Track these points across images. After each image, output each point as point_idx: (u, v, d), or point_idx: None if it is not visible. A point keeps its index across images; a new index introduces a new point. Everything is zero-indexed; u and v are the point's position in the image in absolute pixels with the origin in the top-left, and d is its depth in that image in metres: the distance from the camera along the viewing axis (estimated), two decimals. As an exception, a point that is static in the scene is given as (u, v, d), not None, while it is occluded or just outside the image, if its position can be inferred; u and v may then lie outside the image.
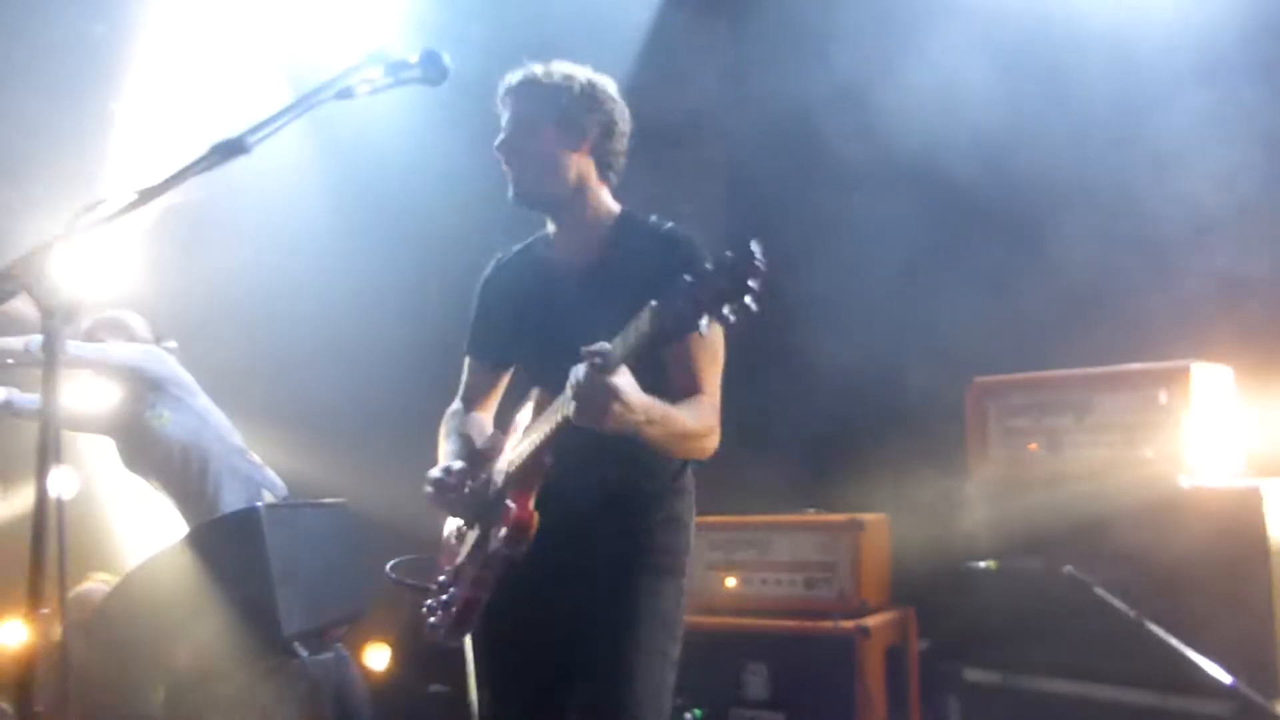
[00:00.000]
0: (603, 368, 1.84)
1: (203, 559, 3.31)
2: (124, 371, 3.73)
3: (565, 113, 2.26)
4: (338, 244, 4.57)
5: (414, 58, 1.89)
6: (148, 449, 3.75)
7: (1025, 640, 3.33)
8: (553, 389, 2.09)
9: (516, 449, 2.21)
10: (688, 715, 3.65)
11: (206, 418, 3.84)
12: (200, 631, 3.28)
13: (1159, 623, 2.88)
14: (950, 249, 4.00)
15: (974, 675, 3.50)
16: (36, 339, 3.50)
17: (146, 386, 3.75)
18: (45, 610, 1.40)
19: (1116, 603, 2.97)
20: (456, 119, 3.36)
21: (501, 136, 2.30)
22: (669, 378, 2.13)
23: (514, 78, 2.32)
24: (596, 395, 1.86)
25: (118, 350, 3.77)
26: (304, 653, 3.34)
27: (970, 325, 3.90)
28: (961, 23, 3.87)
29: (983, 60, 3.79)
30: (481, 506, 2.25)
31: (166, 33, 4.57)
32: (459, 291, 4.32)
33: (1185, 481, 3.15)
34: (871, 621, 3.70)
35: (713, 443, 2.16)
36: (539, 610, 2.21)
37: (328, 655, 3.51)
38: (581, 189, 2.29)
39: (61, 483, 4.22)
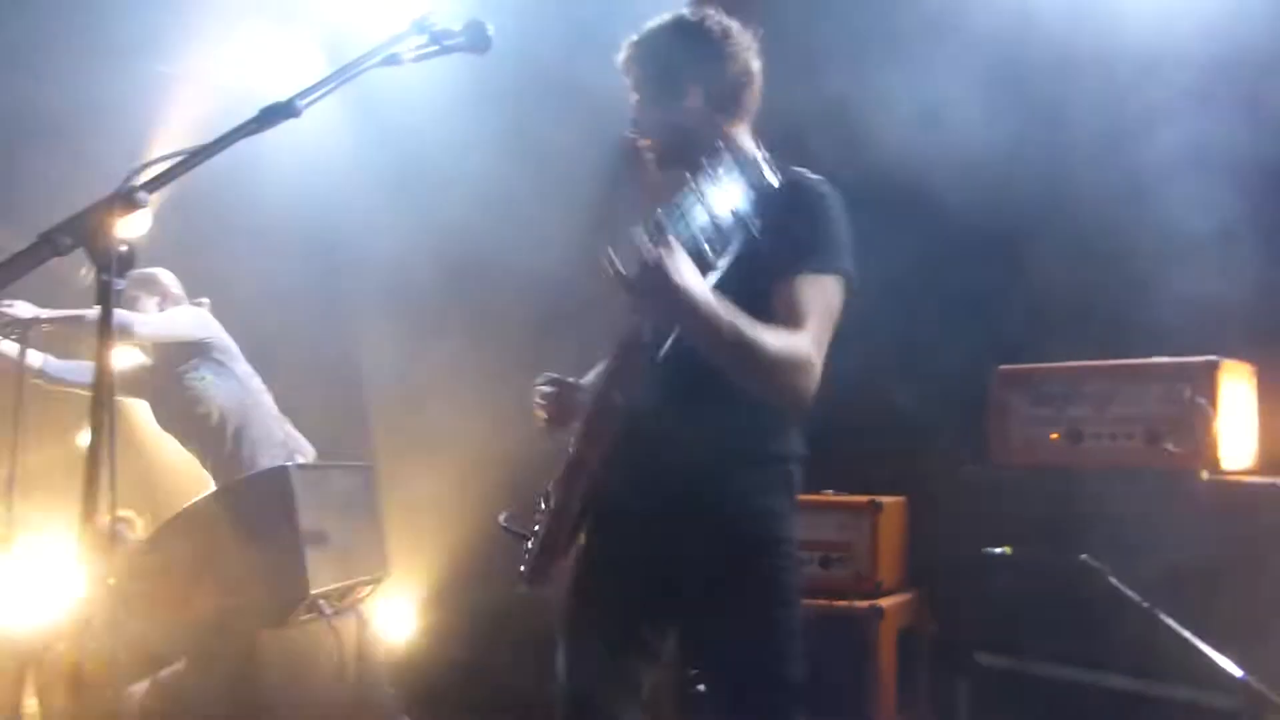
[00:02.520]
0: (659, 241, 1.76)
1: (233, 516, 3.38)
2: (174, 340, 3.80)
3: (689, 70, 2.15)
4: (372, 208, 4.60)
5: (458, 26, 1.92)
6: (186, 410, 3.83)
7: (1037, 627, 3.35)
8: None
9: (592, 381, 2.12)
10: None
11: (246, 381, 3.91)
12: (227, 586, 3.35)
13: (1172, 614, 2.90)
14: (976, 233, 4.00)
15: (985, 659, 3.53)
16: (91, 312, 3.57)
17: (191, 349, 3.82)
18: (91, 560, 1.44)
19: (1129, 592, 2.99)
20: (498, 86, 3.37)
21: (631, 114, 2.21)
22: (770, 312, 1.97)
23: (627, 43, 2.22)
24: (649, 269, 1.76)
25: (169, 322, 3.83)
26: (328, 611, 3.41)
27: (995, 312, 3.91)
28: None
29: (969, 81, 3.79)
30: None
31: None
32: (492, 260, 4.38)
33: (1206, 476, 3.16)
34: (886, 603, 3.73)
35: (804, 379, 1.96)
36: (641, 572, 2.08)
37: (350, 616, 3.58)
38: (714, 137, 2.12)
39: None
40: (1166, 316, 3.55)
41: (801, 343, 1.94)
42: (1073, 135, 3.90)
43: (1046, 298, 3.92)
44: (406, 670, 4.10)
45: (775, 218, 1.91)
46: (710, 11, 2.21)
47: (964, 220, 3.97)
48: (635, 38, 2.23)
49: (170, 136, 4.81)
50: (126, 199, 1.50)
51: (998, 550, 3.38)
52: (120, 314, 3.51)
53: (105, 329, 1.49)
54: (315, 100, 1.75)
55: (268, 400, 4.00)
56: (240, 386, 3.89)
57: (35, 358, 3.81)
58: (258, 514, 3.38)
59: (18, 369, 3.60)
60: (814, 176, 2.13)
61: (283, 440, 3.91)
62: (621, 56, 2.24)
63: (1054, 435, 3.52)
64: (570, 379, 2.30)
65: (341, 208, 4.63)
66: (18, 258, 1.44)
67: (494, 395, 4.45)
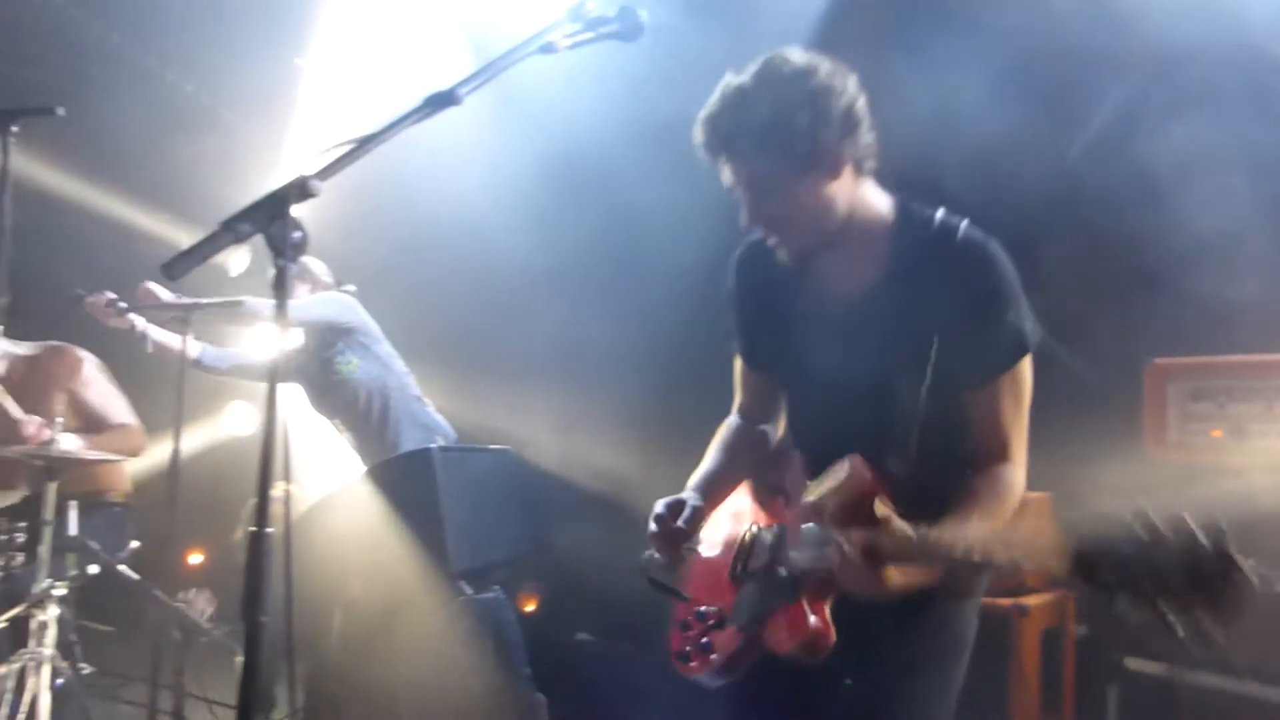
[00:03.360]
0: (871, 568, 1.67)
1: (379, 495, 3.48)
2: (320, 325, 3.94)
3: (808, 145, 1.81)
4: (511, 198, 4.66)
5: (612, 12, 1.92)
6: (335, 393, 3.96)
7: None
8: (819, 442, 1.93)
9: (809, 544, 1.87)
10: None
11: (389, 364, 4.03)
12: (374, 564, 3.46)
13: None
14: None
15: (1136, 665, 3.39)
16: (250, 300, 3.74)
17: (337, 334, 3.95)
18: (270, 529, 1.49)
19: (1301, 601, 2.82)
20: (654, 79, 3.38)
21: (747, 209, 1.89)
22: (971, 433, 1.86)
23: (720, 124, 1.86)
24: (860, 584, 1.70)
25: (315, 307, 3.98)
26: (468, 590, 3.48)
27: (1151, 302, 3.74)
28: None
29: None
30: (757, 571, 1.98)
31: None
32: (632, 248, 4.39)
33: (1387, 479, 2.96)
34: (1030, 601, 3.61)
35: (1018, 500, 1.86)
36: None
37: (489, 595, 3.65)
38: (853, 209, 1.90)
39: (241, 419, 4.50)
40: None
41: (1012, 478, 1.86)
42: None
43: (1207, 286, 3.74)
44: (540, 650, 4.14)
45: (946, 306, 1.80)
46: (817, 58, 1.87)
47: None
48: (732, 110, 1.84)
49: (310, 127, 4.99)
50: (301, 187, 1.54)
51: (1152, 551, 3.23)
52: (255, 300, 3.68)
53: (282, 312, 1.54)
54: (475, 88, 1.77)
55: (410, 382, 4.11)
56: (384, 369, 4.01)
57: (193, 347, 4.00)
58: (402, 494, 3.47)
59: (179, 358, 3.80)
60: (961, 228, 1.90)
61: (424, 422, 4.02)
62: (714, 134, 1.88)
63: (1215, 432, 3.34)
64: (681, 515, 2.03)
65: (488, 198, 4.70)
66: (202, 244, 1.50)
67: (630, 386, 4.49)
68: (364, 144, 1.67)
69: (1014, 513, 1.85)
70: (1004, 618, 3.55)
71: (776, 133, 1.82)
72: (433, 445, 3.66)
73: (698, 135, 1.91)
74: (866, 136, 1.90)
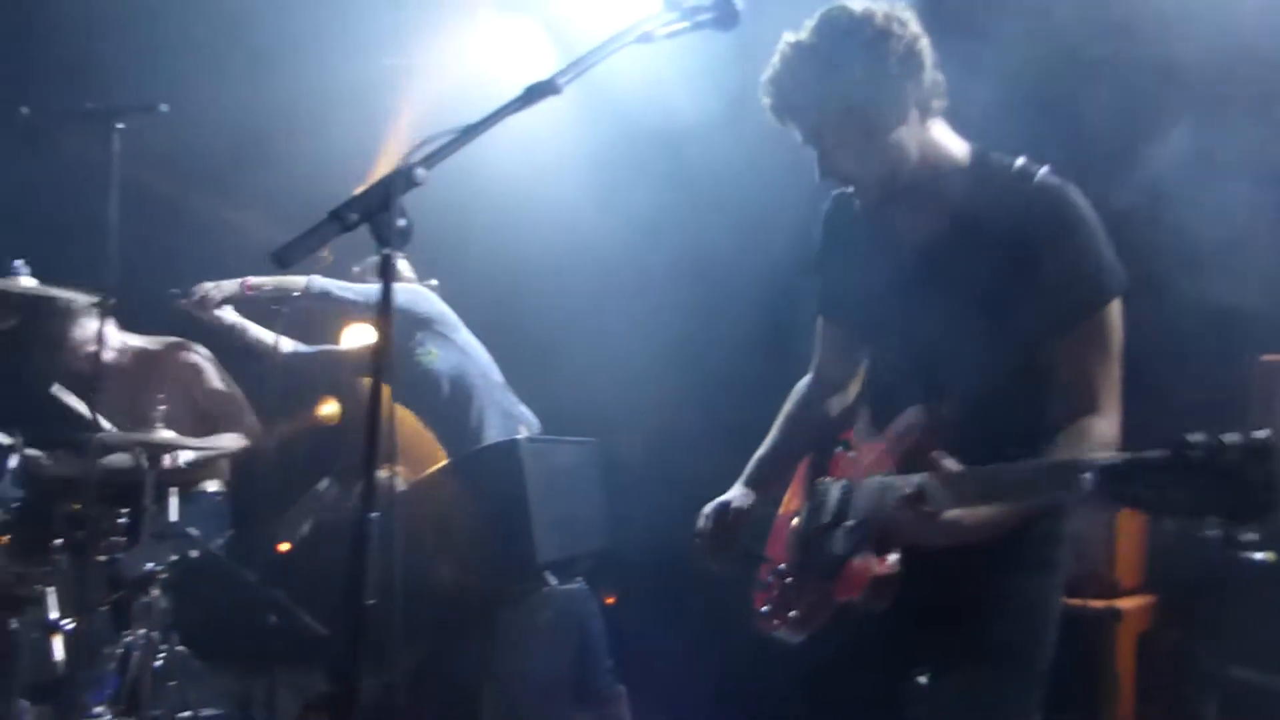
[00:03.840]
0: (922, 511, 1.67)
1: (465, 486, 3.52)
2: (395, 313, 3.98)
3: (868, 95, 1.82)
4: (596, 182, 4.64)
5: (708, 0, 1.91)
6: (416, 384, 4.00)
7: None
8: (887, 395, 1.93)
9: (870, 495, 1.89)
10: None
11: (470, 353, 4.06)
12: (459, 553, 3.49)
13: None
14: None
15: (1242, 674, 3.27)
16: (317, 279, 3.81)
17: (415, 324, 3.99)
18: (376, 515, 1.52)
19: None
20: (733, 62, 3.35)
21: (818, 164, 1.91)
22: (1055, 386, 1.79)
23: (781, 85, 1.90)
24: (918, 528, 1.70)
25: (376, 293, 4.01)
26: (553, 581, 3.50)
27: (1261, 297, 3.60)
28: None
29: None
30: (826, 532, 1.97)
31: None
32: (719, 233, 4.36)
33: None
34: (1124, 604, 3.51)
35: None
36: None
37: (573, 587, 3.66)
38: (923, 152, 1.89)
39: (331, 410, 4.53)
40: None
41: (1100, 430, 1.75)
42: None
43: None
44: (621, 642, 4.16)
45: (1022, 249, 1.76)
46: (874, 4, 1.87)
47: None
48: (791, 69, 1.87)
49: (404, 126, 5.05)
50: (407, 176, 1.57)
51: (1259, 556, 3.11)
52: (320, 280, 3.74)
53: (387, 302, 1.57)
54: (574, 78, 1.78)
55: (494, 370, 4.13)
56: (465, 357, 4.04)
57: (285, 344, 4.09)
58: (489, 485, 3.50)
59: (272, 351, 3.90)
60: (1039, 171, 1.86)
61: (509, 410, 4.04)
62: (777, 96, 1.91)
63: (1327, 432, 3.21)
64: (725, 520, 2.13)
65: (567, 190, 4.71)
66: (310, 233, 1.54)
67: (711, 380, 4.47)
68: (467, 133, 1.69)
69: None
70: (1096, 621, 3.46)
71: (836, 86, 1.83)
72: (519, 436, 3.69)
73: (762, 99, 1.94)
74: (931, 77, 1.89)
